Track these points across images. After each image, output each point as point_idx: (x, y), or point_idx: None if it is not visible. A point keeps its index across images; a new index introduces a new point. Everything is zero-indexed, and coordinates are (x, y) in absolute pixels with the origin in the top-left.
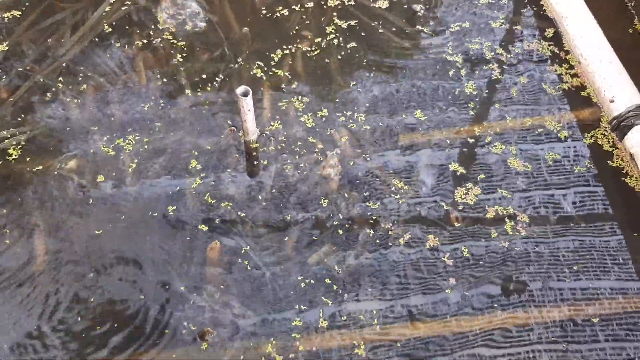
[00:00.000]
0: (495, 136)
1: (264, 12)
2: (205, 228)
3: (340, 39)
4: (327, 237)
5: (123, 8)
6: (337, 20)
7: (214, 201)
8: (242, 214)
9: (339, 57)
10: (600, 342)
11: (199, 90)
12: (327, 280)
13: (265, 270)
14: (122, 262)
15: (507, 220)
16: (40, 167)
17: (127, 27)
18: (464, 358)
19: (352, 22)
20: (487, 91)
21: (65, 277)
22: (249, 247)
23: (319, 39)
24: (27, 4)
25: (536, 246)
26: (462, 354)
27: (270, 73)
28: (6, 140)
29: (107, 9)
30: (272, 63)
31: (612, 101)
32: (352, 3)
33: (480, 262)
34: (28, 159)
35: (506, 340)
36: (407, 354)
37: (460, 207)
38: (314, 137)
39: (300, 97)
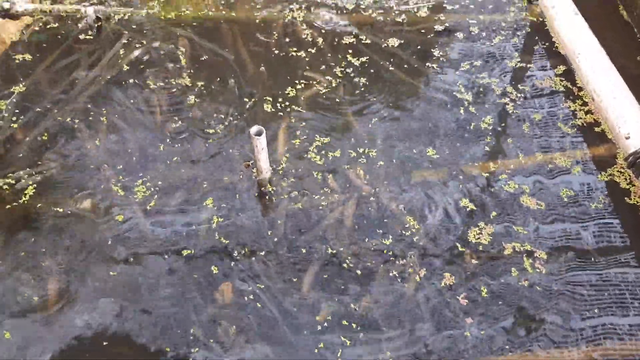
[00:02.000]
0: (509, 173)
1: (276, 52)
2: (216, 269)
3: (353, 76)
4: (340, 275)
5: (138, 47)
6: (350, 58)
7: (228, 241)
8: (255, 254)
9: (351, 94)
10: None
11: (214, 127)
12: (344, 322)
13: (276, 311)
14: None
15: (524, 258)
16: (55, 207)
17: (143, 67)
18: None
19: (364, 59)
20: (499, 129)
21: (77, 322)
22: (262, 286)
23: (333, 76)
24: (44, 45)
25: (554, 283)
26: None
27: (284, 111)
28: (22, 180)
29: (121, 51)
30: (287, 102)
31: (627, 137)
32: (366, 41)
33: (497, 300)
34: (43, 199)
35: None
36: None
37: (473, 245)
38: (327, 175)
39: (313, 134)
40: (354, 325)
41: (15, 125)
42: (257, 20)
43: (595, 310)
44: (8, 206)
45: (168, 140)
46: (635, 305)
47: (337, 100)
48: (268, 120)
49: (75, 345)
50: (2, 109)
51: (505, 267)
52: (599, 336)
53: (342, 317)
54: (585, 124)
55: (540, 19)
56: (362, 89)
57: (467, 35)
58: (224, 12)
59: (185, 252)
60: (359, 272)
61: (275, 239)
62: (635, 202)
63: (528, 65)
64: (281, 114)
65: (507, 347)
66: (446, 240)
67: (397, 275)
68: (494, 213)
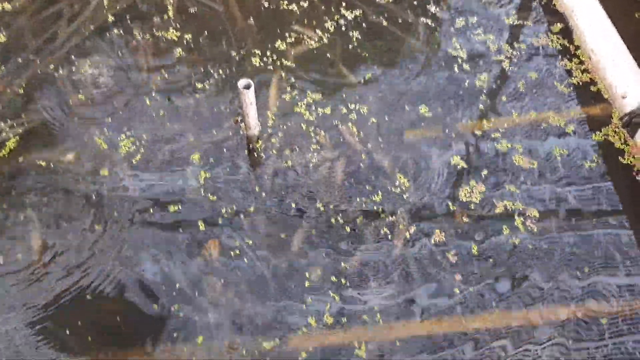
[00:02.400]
0: (502, 132)
1: (266, 4)
2: (203, 225)
3: (345, 30)
4: (329, 232)
5: None
6: (343, 11)
7: (214, 197)
8: (242, 209)
9: (343, 49)
10: (605, 340)
11: (202, 82)
12: (333, 279)
13: (264, 267)
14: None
15: (516, 216)
16: (38, 160)
17: (129, 18)
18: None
19: (357, 12)
20: (493, 86)
21: (63, 273)
22: (249, 242)
23: (324, 31)
24: None
25: (543, 242)
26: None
27: (274, 65)
28: (3, 133)
29: (105, 0)
30: (276, 55)
31: (624, 97)
32: None
33: (486, 258)
34: (25, 152)
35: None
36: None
37: (465, 203)
38: (317, 131)
39: (304, 90)
40: (342, 281)
41: None
42: None
43: (586, 270)
44: None
45: (154, 94)
46: (626, 265)
47: (329, 55)
48: (257, 75)
49: (56, 300)
50: None
51: (496, 226)
52: (586, 295)
53: (331, 273)
54: (581, 83)
55: None
56: (355, 44)
57: None
58: None
59: (172, 208)
60: (348, 229)
61: (264, 195)
62: (629, 162)
63: (525, 23)
64: (271, 68)
65: (494, 304)
66: (437, 198)
67: (386, 232)
68: (485, 172)
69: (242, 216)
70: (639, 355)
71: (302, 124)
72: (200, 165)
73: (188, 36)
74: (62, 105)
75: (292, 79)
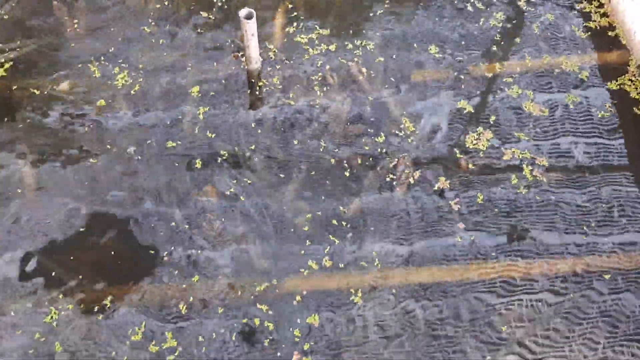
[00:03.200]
0: (514, 76)
1: None
2: (200, 164)
3: None
4: (330, 174)
5: None
6: None
7: (213, 135)
8: (241, 148)
9: None
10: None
11: (200, 11)
12: (334, 222)
13: (263, 208)
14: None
15: (524, 165)
16: (31, 88)
17: None
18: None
19: None
20: (507, 28)
21: (54, 208)
22: (248, 182)
23: None
24: None
25: (551, 194)
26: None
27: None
28: None
29: None
30: None
31: None
32: None
33: (491, 207)
34: (18, 79)
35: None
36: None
37: (471, 150)
38: (321, 68)
39: (308, 24)
40: (343, 224)
41: None
42: None
43: (592, 225)
44: None
45: (152, 21)
46: (631, 222)
47: None
48: (260, 6)
49: (49, 235)
50: None
51: (503, 174)
52: (588, 251)
53: (330, 217)
54: (599, 27)
55: None
56: None
57: None
58: None
59: (169, 144)
60: (350, 171)
61: (263, 134)
62: None
63: None
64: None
65: (494, 254)
66: (442, 144)
67: (389, 177)
68: (493, 117)
69: (240, 155)
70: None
71: (305, 60)
72: (199, 99)
73: None
74: (57, 31)
75: (297, 12)
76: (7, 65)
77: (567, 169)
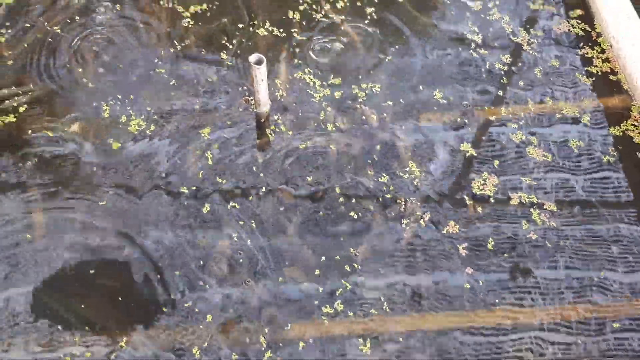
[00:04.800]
0: (516, 120)
1: None
2: (208, 208)
3: (359, 5)
4: (336, 216)
5: None
6: None
7: (222, 179)
8: (248, 189)
9: (357, 27)
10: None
11: (211, 53)
12: (338, 264)
13: (269, 254)
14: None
15: (531, 210)
16: (43, 130)
17: None
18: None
19: None
20: (509, 72)
21: (63, 251)
22: (253, 224)
23: (339, 6)
24: None
25: (559, 237)
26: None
27: (287, 41)
28: (7, 101)
29: None
30: (289, 29)
31: None
32: None
33: (499, 252)
34: (29, 121)
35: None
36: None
37: (478, 195)
38: (328, 110)
39: (316, 67)
40: (347, 268)
41: (3, 40)
42: None
43: (600, 267)
44: None
45: (160, 62)
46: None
47: (342, 28)
48: (269, 48)
49: (57, 275)
50: None
51: (511, 219)
52: (597, 292)
53: (339, 259)
54: (601, 72)
55: None
56: (369, 20)
57: None
58: None
59: (180, 188)
60: (358, 214)
61: (271, 175)
62: None
63: (544, 7)
64: (282, 42)
65: (504, 299)
66: (448, 188)
67: (396, 220)
68: (497, 162)
69: (246, 196)
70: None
71: (313, 102)
72: (207, 141)
73: (198, 6)
74: (69, 72)
75: (305, 56)
76: (21, 109)
77: (575, 213)
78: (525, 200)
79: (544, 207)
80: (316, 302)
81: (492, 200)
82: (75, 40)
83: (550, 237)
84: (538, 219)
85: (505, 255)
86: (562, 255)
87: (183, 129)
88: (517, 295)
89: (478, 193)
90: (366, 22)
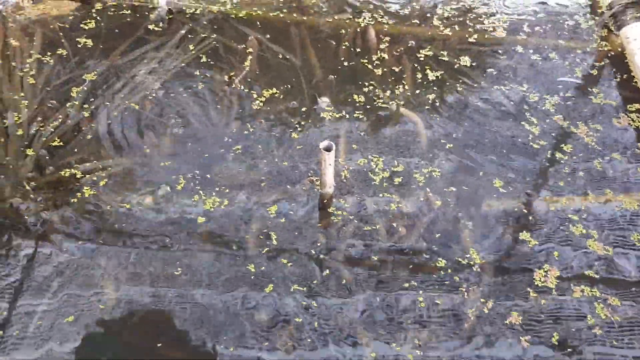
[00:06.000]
0: (577, 212)
1: (344, 62)
2: (270, 288)
3: (421, 92)
4: (399, 302)
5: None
6: (419, 74)
7: (285, 261)
8: (311, 269)
9: (417, 112)
10: None
11: (279, 134)
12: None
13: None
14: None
15: (596, 304)
16: (120, 203)
17: (210, 63)
18: None
19: (438, 74)
20: (569, 163)
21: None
22: (316, 305)
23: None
24: (116, 31)
25: (624, 333)
26: None
27: (348, 122)
28: (86, 175)
29: (190, 46)
30: (353, 111)
31: None
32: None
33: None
34: (107, 194)
35: None
36: None
37: (540, 287)
38: (390, 195)
39: (379, 152)
40: (410, 358)
41: (87, 114)
42: (327, 26)
43: None
44: (72, 198)
45: (229, 140)
46: None
47: (400, 115)
48: (331, 130)
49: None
50: (73, 96)
51: (575, 313)
52: None
53: (396, 347)
54: None
55: (620, 50)
56: (429, 106)
57: (543, 59)
58: (294, 15)
59: (249, 266)
60: (421, 301)
61: (334, 255)
62: None
63: (604, 101)
64: (345, 125)
65: None
66: (511, 278)
67: (457, 308)
68: (556, 253)
69: (311, 279)
70: None
71: (374, 184)
72: (274, 219)
73: (267, 90)
74: (142, 148)
75: (367, 138)
76: (102, 183)
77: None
78: (589, 293)
79: (607, 302)
80: None
81: (554, 291)
82: (148, 117)
83: (615, 332)
84: (602, 313)
85: (570, 349)
86: (626, 350)
87: (252, 205)
88: None
89: (540, 285)
90: (427, 106)
